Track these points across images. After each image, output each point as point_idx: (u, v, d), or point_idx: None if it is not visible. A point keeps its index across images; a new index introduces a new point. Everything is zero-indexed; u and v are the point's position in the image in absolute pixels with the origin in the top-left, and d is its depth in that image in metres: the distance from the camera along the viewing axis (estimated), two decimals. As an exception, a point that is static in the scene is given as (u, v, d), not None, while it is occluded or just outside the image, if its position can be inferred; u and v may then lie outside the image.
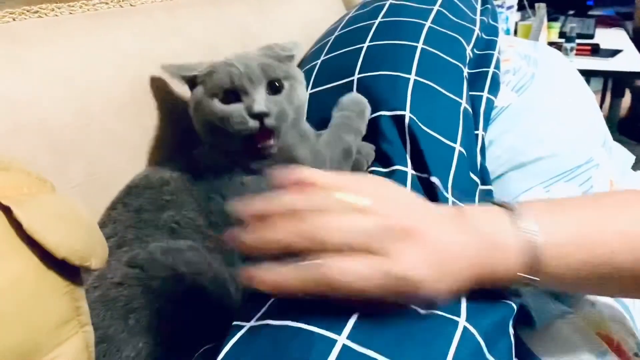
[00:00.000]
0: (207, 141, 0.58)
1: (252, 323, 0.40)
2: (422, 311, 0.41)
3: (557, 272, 0.36)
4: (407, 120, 0.58)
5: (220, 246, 0.52)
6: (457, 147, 0.59)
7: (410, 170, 0.56)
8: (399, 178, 0.55)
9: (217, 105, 0.53)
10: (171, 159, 0.59)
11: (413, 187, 0.55)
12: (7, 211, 0.30)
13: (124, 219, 0.51)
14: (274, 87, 0.55)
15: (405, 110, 0.59)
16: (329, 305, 0.40)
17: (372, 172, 0.57)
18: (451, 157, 0.58)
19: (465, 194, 0.56)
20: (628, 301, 0.65)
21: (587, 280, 0.38)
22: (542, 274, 0.36)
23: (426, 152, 0.56)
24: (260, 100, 0.52)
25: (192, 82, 0.57)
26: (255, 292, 0.50)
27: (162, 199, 0.52)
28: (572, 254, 0.36)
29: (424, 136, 0.57)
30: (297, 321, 0.38)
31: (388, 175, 0.56)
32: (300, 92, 0.59)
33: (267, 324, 0.39)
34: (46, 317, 0.31)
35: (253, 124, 0.52)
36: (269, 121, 0.52)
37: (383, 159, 0.57)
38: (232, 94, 0.53)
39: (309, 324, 0.37)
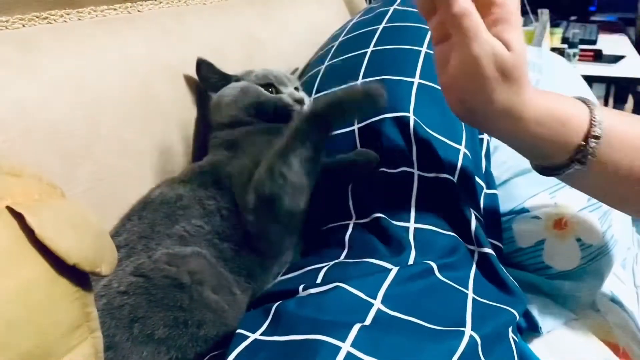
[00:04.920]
0: (243, 117, 0.64)
1: (257, 336, 0.40)
2: (428, 325, 0.41)
3: (606, 161, 0.42)
4: (411, 122, 0.58)
5: (226, 254, 0.52)
6: (462, 149, 0.59)
7: (416, 171, 0.56)
8: (406, 179, 0.56)
9: (264, 91, 0.65)
10: (184, 172, 0.60)
11: (420, 188, 0.55)
12: (19, 217, 0.31)
13: (139, 230, 0.52)
14: (297, 90, 0.69)
15: (409, 112, 0.59)
16: (332, 316, 0.41)
17: (380, 174, 0.57)
18: (456, 158, 0.58)
19: (469, 196, 0.56)
20: (633, 308, 0.65)
21: (625, 180, 0.43)
22: (593, 161, 0.42)
23: (433, 152, 0.56)
24: (296, 92, 0.67)
25: (225, 79, 0.68)
26: (259, 299, 0.51)
27: (175, 214, 0.53)
28: (624, 151, 0.42)
29: (428, 137, 0.57)
30: (302, 334, 0.38)
31: (395, 176, 0.56)
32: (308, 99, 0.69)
33: (273, 341, 0.39)
34: (57, 323, 0.31)
35: (297, 107, 0.64)
36: (305, 108, 0.65)
37: (389, 161, 0.58)
38: (272, 88, 0.66)
39: (313, 333, 0.38)
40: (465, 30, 0.38)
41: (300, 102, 0.65)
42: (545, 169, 0.47)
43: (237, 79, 0.68)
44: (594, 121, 0.42)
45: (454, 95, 0.44)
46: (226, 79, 0.68)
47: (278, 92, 0.66)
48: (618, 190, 0.45)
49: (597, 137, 0.42)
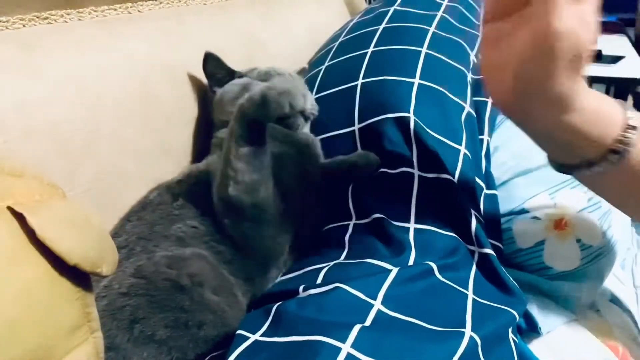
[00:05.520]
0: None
1: (257, 337, 0.40)
2: (428, 326, 0.41)
3: (637, 157, 0.41)
4: (412, 122, 0.58)
5: (225, 256, 0.53)
6: (462, 149, 0.59)
7: (416, 172, 0.56)
8: (406, 179, 0.56)
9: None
10: (182, 172, 0.61)
11: (420, 188, 0.55)
12: (20, 218, 0.31)
13: (138, 231, 0.52)
14: None
15: (409, 112, 0.59)
16: (332, 318, 0.41)
17: (380, 174, 0.58)
18: (456, 159, 0.58)
19: (470, 197, 0.56)
20: (633, 309, 0.65)
21: None
22: (627, 160, 0.41)
23: (433, 153, 0.57)
24: None
25: (230, 75, 0.68)
26: (259, 299, 0.51)
27: (172, 214, 0.54)
28: None
29: (429, 138, 0.58)
30: (302, 334, 0.38)
31: (395, 177, 0.57)
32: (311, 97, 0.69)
33: (273, 342, 0.39)
34: (58, 323, 0.32)
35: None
36: (308, 105, 0.64)
37: (390, 162, 0.58)
38: None
39: (313, 334, 0.38)
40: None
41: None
42: (569, 166, 0.45)
43: (240, 75, 0.69)
44: (629, 114, 0.41)
45: (507, 79, 0.39)
46: (231, 75, 0.69)
47: None
48: None
49: (634, 128, 0.40)
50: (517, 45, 0.38)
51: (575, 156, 0.43)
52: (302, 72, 0.79)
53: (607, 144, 0.41)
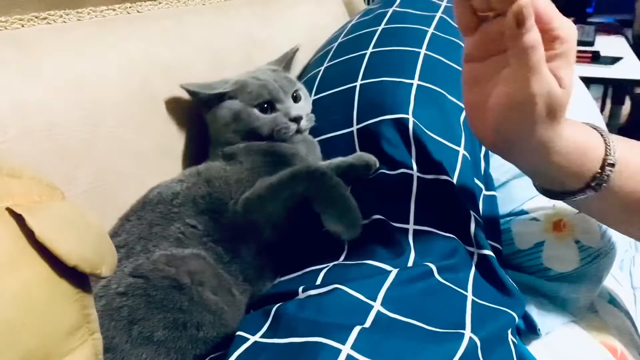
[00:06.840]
0: (236, 141, 0.62)
1: (257, 338, 0.40)
2: (427, 327, 0.41)
3: (616, 188, 0.43)
4: (410, 123, 0.58)
5: (222, 256, 0.53)
6: (461, 150, 0.59)
7: (416, 173, 0.56)
8: (405, 181, 0.56)
9: (259, 114, 0.61)
10: (182, 173, 0.61)
11: (419, 189, 0.55)
12: (19, 219, 0.31)
13: (137, 231, 0.52)
14: (295, 98, 0.65)
15: (408, 113, 0.59)
16: (332, 319, 0.41)
17: (379, 175, 0.58)
18: (455, 160, 0.58)
19: (469, 198, 0.56)
20: (631, 310, 0.65)
21: (631, 205, 0.44)
22: (607, 187, 0.42)
23: (432, 154, 0.57)
24: (293, 107, 0.63)
25: (217, 98, 0.63)
26: (258, 300, 0.51)
27: (171, 212, 0.54)
28: (634, 178, 0.43)
29: (428, 139, 0.58)
30: (302, 336, 0.38)
31: (394, 178, 0.57)
32: (308, 103, 0.68)
33: (273, 343, 0.39)
34: (57, 324, 0.31)
35: (294, 126, 0.61)
36: (303, 123, 0.62)
37: (389, 163, 0.58)
38: (268, 104, 0.62)
39: (313, 335, 0.38)
40: (530, 64, 0.35)
41: (296, 120, 0.62)
42: (553, 193, 0.46)
43: (230, 95, 0.63)
44: (609, 149, 0.42)
45: (488, 122, 0.41)
46: (219, 96, 0.63)
47: (274, 108, 0.62)
48: (624, 215, 0.46)
49: (612, 165, 0.42)
50: (495, 97, 0.39)
51: (558, 185, 0.45)
52: (294, 54, 0.78)
53: (587, 178, 0.42)
